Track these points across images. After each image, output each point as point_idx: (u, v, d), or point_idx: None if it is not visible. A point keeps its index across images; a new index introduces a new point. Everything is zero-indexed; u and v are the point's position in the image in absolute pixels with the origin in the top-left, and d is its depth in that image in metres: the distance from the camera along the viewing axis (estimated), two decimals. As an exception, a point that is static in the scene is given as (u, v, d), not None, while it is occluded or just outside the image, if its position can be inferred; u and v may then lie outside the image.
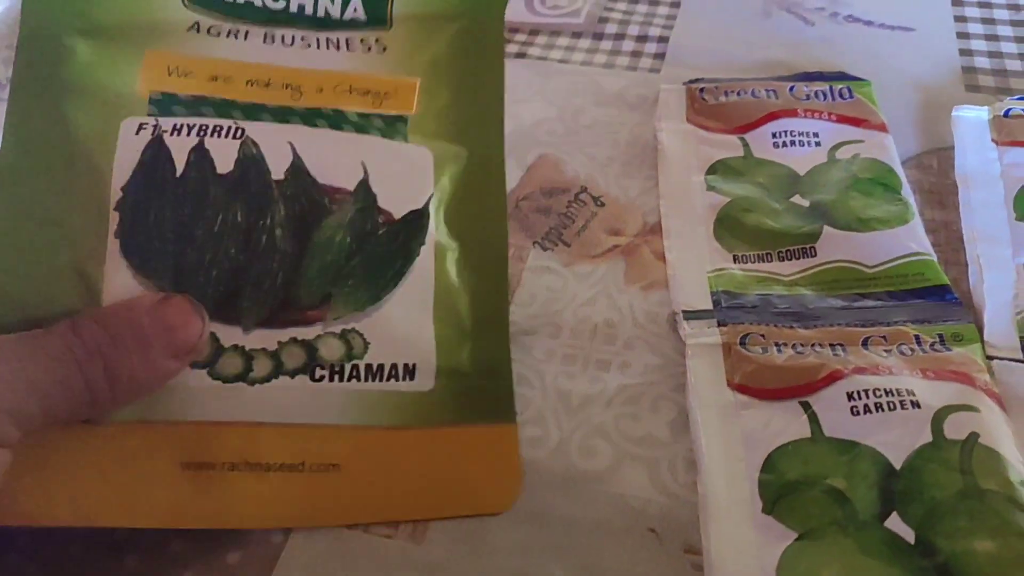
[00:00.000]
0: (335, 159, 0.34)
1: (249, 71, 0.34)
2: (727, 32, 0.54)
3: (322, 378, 0.32)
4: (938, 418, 0.32)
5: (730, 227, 0.42)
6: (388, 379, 0.33)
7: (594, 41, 0.54)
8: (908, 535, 0.30)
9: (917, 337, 0.36)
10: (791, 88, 0.48)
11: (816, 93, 0.47)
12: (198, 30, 0.34)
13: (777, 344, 0.36)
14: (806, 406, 0.34)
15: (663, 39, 0.54)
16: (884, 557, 0.29)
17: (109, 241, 0.31)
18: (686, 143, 0.46)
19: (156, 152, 0.32)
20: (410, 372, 0.33)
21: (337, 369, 0.32)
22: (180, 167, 0.32)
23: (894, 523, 0.30)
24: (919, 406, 0.33)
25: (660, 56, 0.53)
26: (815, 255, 0.40)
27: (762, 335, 0.37)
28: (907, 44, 0.53)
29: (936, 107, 0.47)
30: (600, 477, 0.33)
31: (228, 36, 0.34)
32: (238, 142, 0.33)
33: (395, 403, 0.33)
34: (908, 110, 0.48)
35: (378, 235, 0.33)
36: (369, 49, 0.35)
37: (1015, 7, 0.55)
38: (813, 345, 0.36)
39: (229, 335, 0.32)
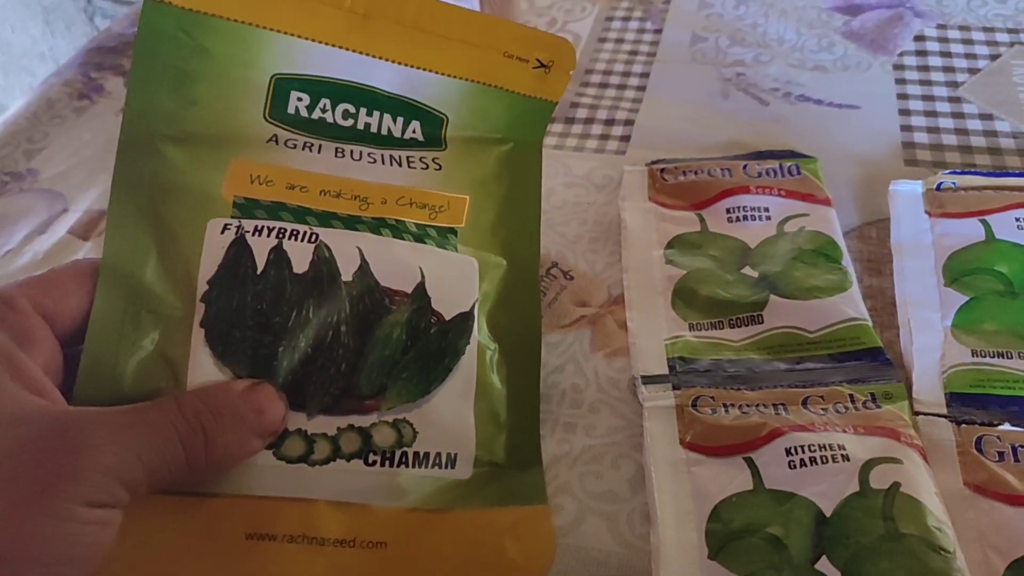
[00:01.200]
0: (396, 264, 0.38)
1: (322, 182, 0.38)
2: (688, 114, 0.59)
3: (375, 463, 0.36)
4: (864, 469, 0.36)
5: (686, 298, 0.46)
6: (432, 466, 0.36)
7: (566, 125, 0.59)
8: (835, 576, 0.33)
9: (851, 396, 0.40)
10: (744, 167, 0.52)
11: (767, 171, 0.52)
12: (276, 142, 0.38)
13: (725, 405, 0.40)
14: (749, 461, 0.37)
15: (629, 122, 0.59)
16: (814, 597, 0.33)
17: (194, 330, 0.35)
18: (647, 220, 0.50)
19: (239, 250, 0.36)
20: (451, 461, 0.37)
21: (388, 455, 0.36)
22: (260, 265, 0.36)
23: (824, 566, 0.33)
24: (848, 459, 0.36)
25: (626, 139, 0.57)
26: (762, 322, 0.44)
27: (712, 397, 0.41)
28: (853, 121, 0.57)
29: (877, 181, 0.51)
30: (564, 531, 0.37)
31: (303, 149, 0.39)
32: (312, 245, 0.37)
33: (437, 488, 0.36)
34: (851, 184, 0.52)
35: (430, 333, 0.37)
36: (426, 167, 0.40)
37: (952, 84, 0.59)
38: (758, 406, 0.40)
39: (294, 420, 0.35)
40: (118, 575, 0.32)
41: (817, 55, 0.63)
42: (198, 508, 0.34)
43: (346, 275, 0.37)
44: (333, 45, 0.38)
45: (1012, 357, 0.41)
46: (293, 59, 0.38)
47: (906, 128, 0.56)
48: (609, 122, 0.59)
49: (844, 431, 0.38)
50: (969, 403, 0.40)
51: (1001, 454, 0.37)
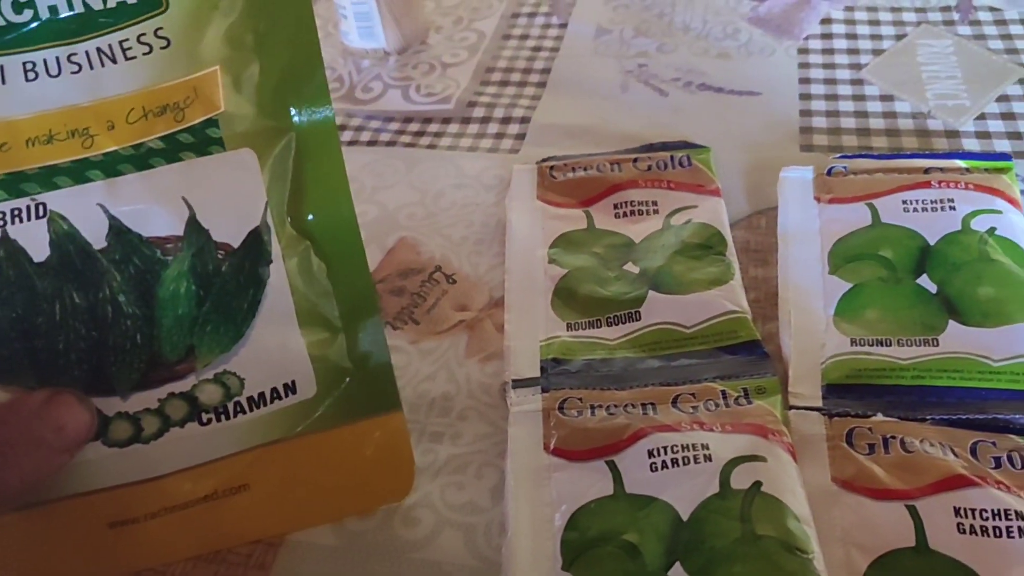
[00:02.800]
0: (154, 207, 0.31)
1: (24, 128, 0.30)
2: (587, 108, 0.57)
3: (209, 421, 0.34)
4: (726, 469, 0.35)
5: (566, 297, 0.45)
6: (272, 402, 0.35)
7: (462, 126, 0.57)
8: (688, 583, 0.32)
9: (723, 392, 0.38)
10: (635, 160, 0.51)
11: (657, 163, 0.50)
12: None
13: (592, 407, 0.39)
14: (612, 465, 0.36)
15: (525, 120, 0.57)
16: (664, 607, 0.31)
17: None
18: (534, 219, 0.49)
19: None
20: (291, 388, 0.35)
21: (221, 410, 0.34)
22: None
23: (676, 573, 0.32)
24: (711, 459, 0.35)
25: (521, 137, 0.56)
26: (640, 319, 0.43)
27: (580, 399, 0.39)
28: (753, 108, 0.56)
29: (770, 169, 0.50)
30: (418, 545, 0.36)
31: None
32: (44, 221, 0.31)
33: (284, 417, 0.35)
34: (745, 173, 0.51)
35: (222, 272, 0.33)
36: (149, 49, 0.31)
37: (856, 66, 0.58)
38: (626, 406, 0.38)
39: (110, 405, 0.33)
40: None
41: (722, 42, 0.62)
42: (51, 514, 0.33)
43: (98, 243, 0.31)
44: None
45: (891, 344, 0.40)
46: None
47: (805, 113, 0.55)
48: (505, 120, 0.57)
49: (711, 429, 0.36)
50: (845, 394, 0.39)
51: (872, 446, 0.36)
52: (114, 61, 0.31)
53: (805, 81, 0.57)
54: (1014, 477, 0.35)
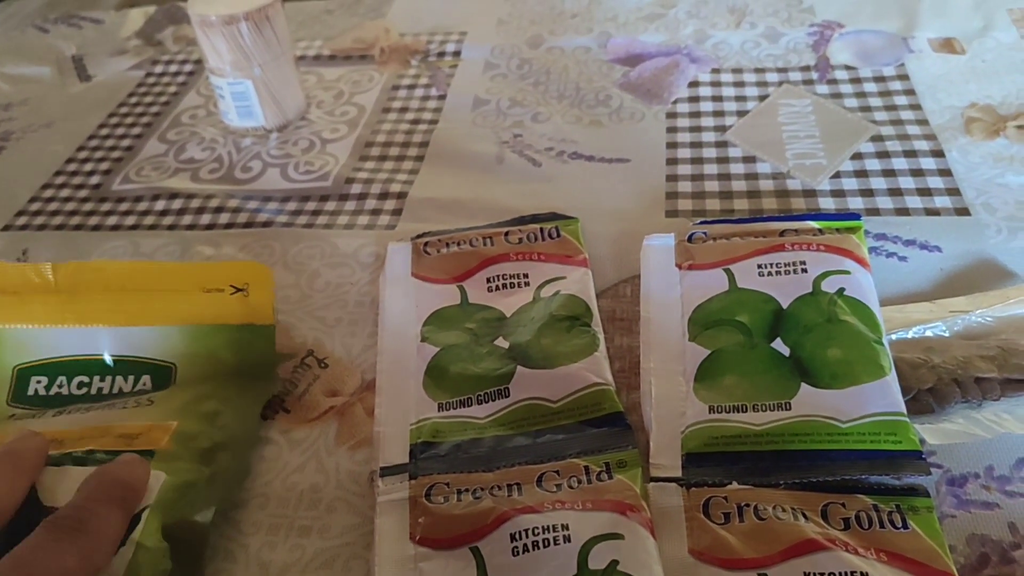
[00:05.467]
0: (65, 487, 0.37)
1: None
2: (463, 181, 0.58)
3: None
4: (584, 550, 0.35)
5: (437, 376, 0.45)
6: None
7: (339, 203, 0.58)
8: (545, 672, 0.32)
9: (586, 468, 0.39)
10: (506, 234, 0.52)
11: (528, 235, 0.51)
12: (13, 418, 0.43)
13: (459, 491, 0.39)
14: (476, 552, 0.36)
15: (402, 195, 0.58)
16: None
17: None
18: (408, 297, 0.49)
19: None
20: None
21: None
22: None
23: (534, 661, 0.32)
24: (570, 540, 0.35)
25: (398, 212, 0.56)
26: (508, 395, 0.43)
27: (447, 483, 0.39)
28: (621, 175, 0.57)
29: (636, 236, 0.51)
30: (279, 650, 0.35)
31: (31, 419, 0.42)
32: None
33: None
34: (612, 242, 0.52)
35: None
36: (138, 405, 0.43)
37: (721, 128, 0.60)
38: (491, 489, 0.39)
39: None
40: None
41: (594, 109, 0.64)
42: None
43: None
44: (56, 325, 0.45)
45: (747, 411, 0.41)
46: (28, 347, 0.45)
47: (671, 178, 0.56)
48: (383, 196, 0.58)
49: (573, 507, 0.37)
50: (704, 463, 0.40)
51: (727, 515, 0.37)
52: (112, 407, 0.43)
53: (672, 145, 0.59)
54: (862, 538, 0.36)
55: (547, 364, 0.44)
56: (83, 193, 0.62)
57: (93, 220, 0.59)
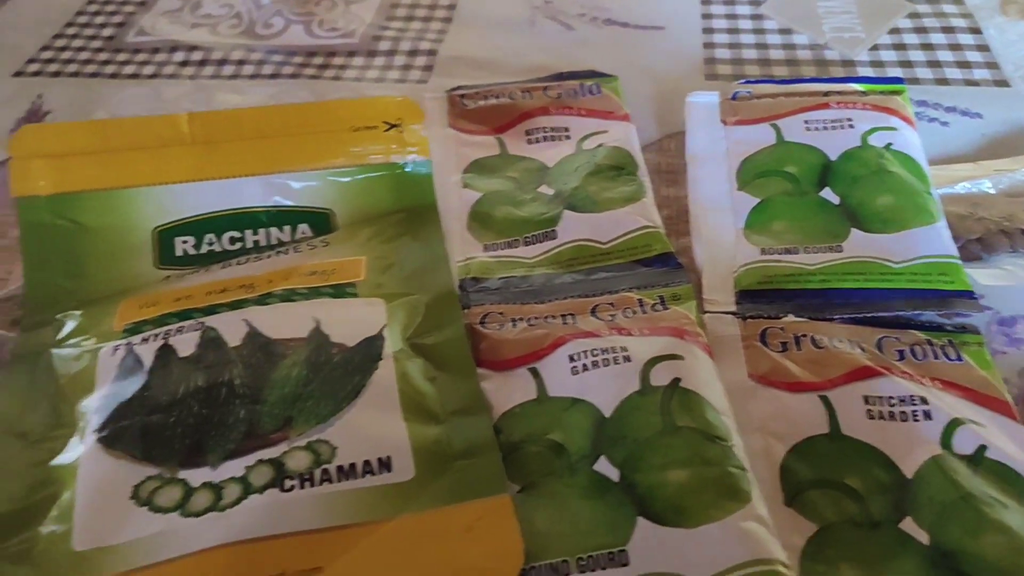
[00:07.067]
0: (288, 320, 0.37)
1: (207, 287, 0.39)
2: (494, 42, 0.57)
3: (292, 488, 0.32)
4: (646, 368, 0.35)
5: (481, 219, 0.44)
6: (364, 475, 0.33)
7: (368, 58, 0.56)
8: (613, 475, 0.32)
9: (640, 301, 0.39)
10: (545, 88, 0.51)
11: (567, 91, 0.51)
12: (169, 279, 0.41)
13: (513, 320, 0.39)
14: (534, 372, 0.36)
15: (432, 52, 0.56)
16: (591, 497, 0.32)
17: (86, 439, 0.34)
18: (446, 146, 0.48)
19: (128, 361, 0.36)
20: (385, 465, 0.33)
21: (307, 476, 0.32)
22: (148, 365, 0.36)
23: (602, 466, 0.32)
24: (630, 359, 0.35)
25: (429, 68, 0.55)
26: (556, 237, 0.43)
27: (501, 313, 0.39)
28: (657, 42, 0.56)
29: (677, 97, 0.50)
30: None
31: (194, 275, 0.41)
32: (198, 332, 0.37)
33: (376, 497, 0.32)
34: (652, 101, 0.51)
35: (333, 362, 0.36)
36: (313, 248, 0.41)
37: (755, 3, 0.59)
38: (546, 318, 0.38)
39: (198, 476, 0.33)
40: None
41: (626, -20, 0.62)
42: None
43: (234, 342, 0.36)
44: (195, 180, 0.42)
45: (798, 252, 0.41)
46: (167, 207, 0.42)
47: (708, 46, 0.56)
48: (412, 53, 0.57)
49: (630, 334, 0.37)
50: (758, 299, 0.40)
51: (784, 344, 0.37)
52: (287, 254, 0.41)
53: (707, 16, 0.59)
54: (917, 367, 0.36)
55: (595, 208, 0.43)
56: (96, 44, 0.60)
57: (109, 69, 0.57)
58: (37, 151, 0.42)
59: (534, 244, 0.43)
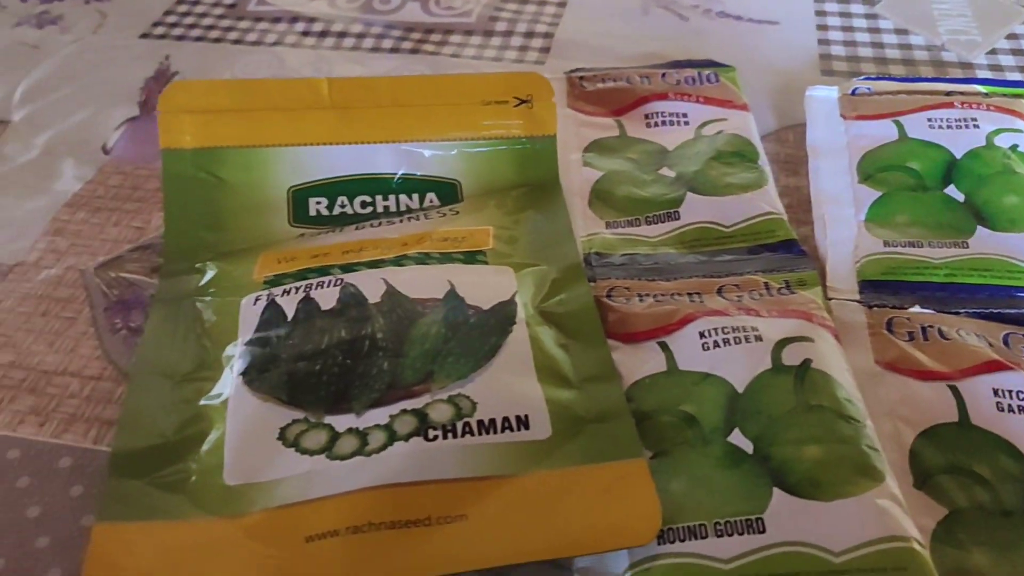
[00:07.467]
0: (423, 281, 0.38)
1: (344, 246, 0.41)
2: (608, 28, 0.58)
3: (435, 437, 0.33)
4: (777, 348, 0.36)
5: (603, 197, 0.45)
6: (503, 431, 0.33)
7: (484, 38, 0.58)
8: (747, 447, 0.33)
9: (766, 284, 0.40)
10: (663, 75, 0.52)
11: (686, 79, 0.51)
12: (303, 237, 0.43)
13: (640, 295, 0.39)
14: (663, 346, 0.37)
15: (548, 35, 0.57)
16: (726, 466, 0.32)
17: (232, 380, 0.36)
18: (566, 126, 0.49)
19: (271, 311, 0.38)
20: (523, 423, 0.34)
21: (449, 428, 0.33)
22: (291, 315, 0.37)
23: (735, 438, 0.33)
24: (761, 339, 0.36)
25: (545, 50, 0.56)
26: (679, 218, 0.44)
27: (627, 288, 0.40)
28: (772, 36, 0.57)
29: (794, 90, 0.51)
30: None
31: (327, 235, 0.42)
32: (338, 288, 0.38)
33: (516, 452, 0.33)
34: (769, 93, 0.52)
35: (469, 323, 0.37)
36: (443, 215, 0.43)
37: (870, 2, 0.60)
38: (672, 295, 0.39)
39: (342, 422, 0.34)
40: None
41: (739, -26, 0.63)
42: (255, 525, 0.32)
43: (374, 299, 0.38)
44: (331, 144, 0.44)
45: (923, 246, 0.41)
46: (302, 168, 0.44)
47: (823, 42, 0.56)
48: (528, 35, 0.58)
49: (758, 315, 0.38)
50: (881, 289, 0.40)
51: (911, 334, 0.38)
52: (418, 220, 0.43)
53: (821, 14, 0.59)
54: (1044, 365, 0.36)
55: (717, 192, 0.44)
56: (218, 11, 0.62)
57: (232, 35, 0.59)
58: (185, 106, 0.43)
59: (656, 224, 0.44)
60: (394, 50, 0.57)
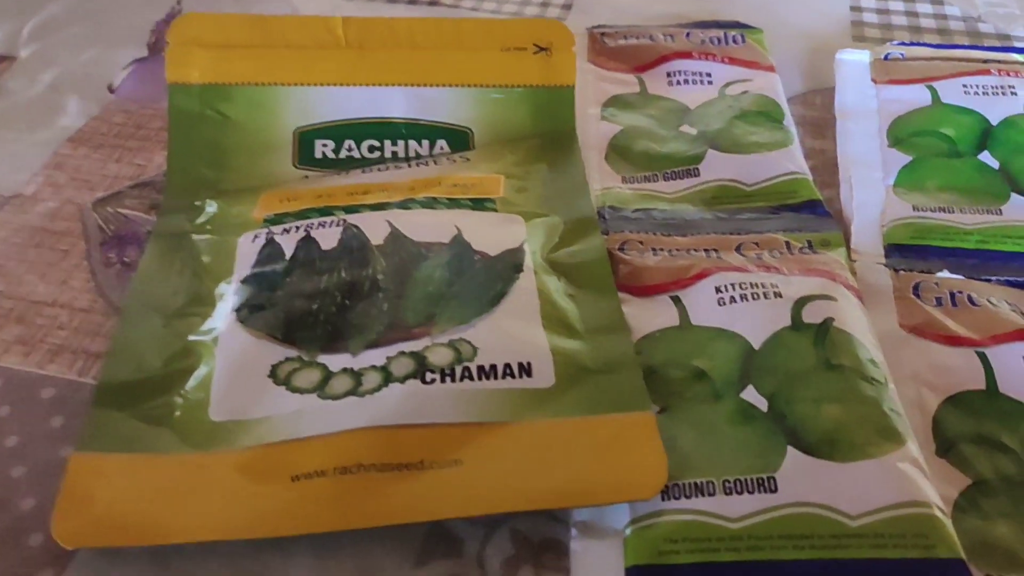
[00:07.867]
0: (429, 225, 0.37)
1: (349, 188, 0.40)
2: (633, -11, 0.56)
3: (433, 381, 0.32)
4: (797, 305, 0.34)
5: (620, 152, 0.44)
6: (504, 377, 0.32)
7: (505, -7, 0.56)
8: (761, 404, 0.31)
9: (787, 243, 0.38)
10: (687, 34, 0.50)
11: (711, 39, 0.50)
12: (307, 178, 0.42)
13: (654, 249, 0.38)
14: (676, 300, 0.35)
15: (570, -8, 0.56)
16: (737, 423, 0.31)
17: (226, 317, 0.34)
18: (585, 81, 0.48)
19: (269, 248, 0.37)
20: (526, 370, 0.32)
21: (448, 372, 0.32)
22: (290, 253, 0.36)
23: (749, 394, 0.31)
24: (780, 296, 0.34)
25: (568, 7, 0.55)
26: (698, 175, 0.42)
27: (640, 242, 0.38)
28: (803, 1, 0.55)
29: (824, 53, 0.49)
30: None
31: (333, 177, 0.41)
32: (340, 228, 0.37)
33: (517, 399, 0.32)
34: (797, 56, 0.50)
35: (475, 268, 0.35)
36: (454, 162, 0.42)
37: (905, -28, 0.58)
38: (688, 250, 0.38)
39: (338, 362, 0.32)
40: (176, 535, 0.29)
41: (768, -61, 0.61)
42: (245, 461, 0.30)
43: (377, 241, 0.36)
44: (342, 85, 0.42)
45: (953, 211, 0.39)
46: (310, 109, 0.42)
47: (856, 9, 0.54)
48: (550, -9, 0.56)
49: (779, 272, 0.36)
50: (908, 254, 0.38)
51: (939, 299, 0.36)
52: (427, 165, 0.42)
53: (853, -19, 0.57)
54: (1079, 337, 0.34)
55: (740, 150, 0.42)
56: (234, -42, 0.60)
57: (250, -19, 0.58)
58: (195, 39, 0.42)
59: (674, 180, 0.42)
60: (412, 2, 0.55)
